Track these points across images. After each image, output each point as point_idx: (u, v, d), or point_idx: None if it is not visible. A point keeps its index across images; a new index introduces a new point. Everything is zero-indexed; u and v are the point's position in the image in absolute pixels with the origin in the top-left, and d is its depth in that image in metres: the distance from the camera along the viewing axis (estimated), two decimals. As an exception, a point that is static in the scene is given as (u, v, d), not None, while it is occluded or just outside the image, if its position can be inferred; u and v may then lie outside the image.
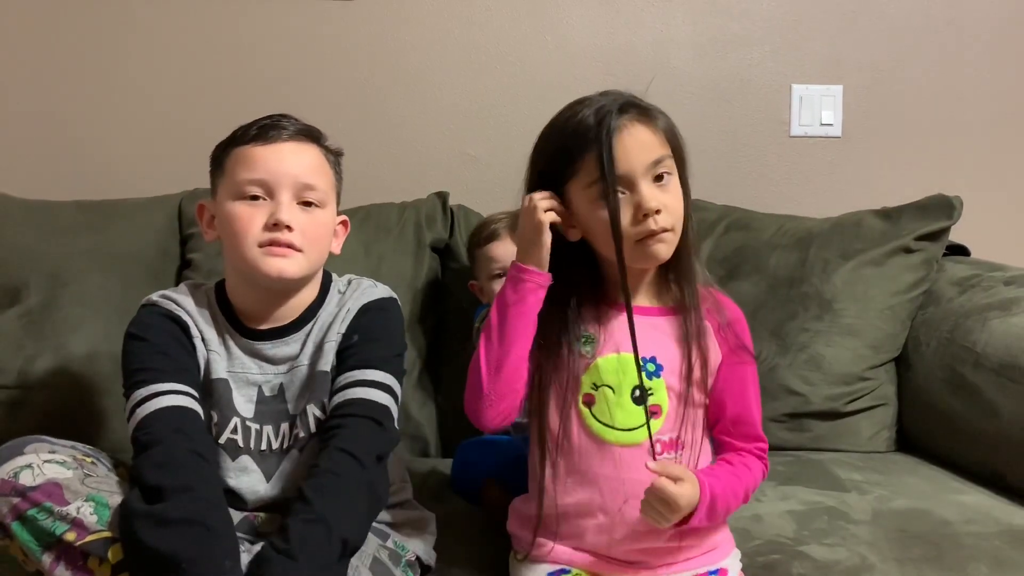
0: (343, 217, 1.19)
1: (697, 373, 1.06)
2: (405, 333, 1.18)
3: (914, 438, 1.60)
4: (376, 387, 1.08)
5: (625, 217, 1.01)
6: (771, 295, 1.65)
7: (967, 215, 1.64)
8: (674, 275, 1.09)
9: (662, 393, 1.06)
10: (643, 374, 1.04)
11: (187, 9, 1.88)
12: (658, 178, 1.02)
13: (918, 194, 1.68)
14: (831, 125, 1.97)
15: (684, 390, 1.06)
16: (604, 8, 1.93)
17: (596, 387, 1.05)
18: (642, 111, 1.03)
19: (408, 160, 1.91)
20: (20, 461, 0.98)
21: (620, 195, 1.00)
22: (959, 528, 1.21)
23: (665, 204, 1.01)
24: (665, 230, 1.01)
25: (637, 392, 1.05)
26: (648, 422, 1.04)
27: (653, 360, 1.07)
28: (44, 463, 0.98)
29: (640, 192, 1.00)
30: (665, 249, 1.03)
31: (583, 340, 1.06)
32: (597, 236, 1.04)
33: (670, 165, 1.03)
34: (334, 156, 1.16)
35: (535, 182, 1.06)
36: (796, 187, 1.98)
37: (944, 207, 1.64)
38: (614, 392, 1.05)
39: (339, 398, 1.08)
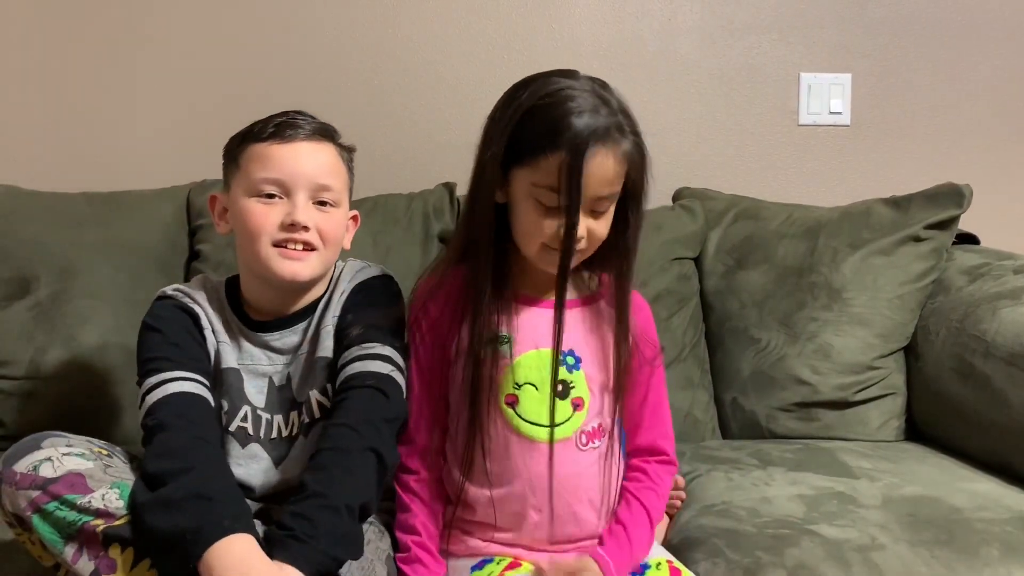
0: (353, 212, 1.19)
1: (616, 360, 1.08)
2: (404, 308, 1.16)
3: (923, 427, 1.59)
4: (375, 358, 1.07)
5: (551, 228, 1.00)
6: (780, 284, 1.65)
7: (977, 203, 1.63)
8: (590, 265, 1.10)
9: (583, 385, 1.07)
10: (564, 368, 1.06)
11: (194, 1, 1.87)
12: (596, 209, 1.02)
13: (927, 183, 1.67)
14: (840, 114, 1.96)
15: (604, 379, 1.08)
16: (611, -4, 1.93)
17: (518, 386, 1.05)
18: (618, 134, 1.00)
19: (415, 151, 1.91)
20: (39, 455, 0.97)
21: (556, 208, 0.99)
22: (970, 514, 1.21)
23: (592, 232, 1.02)
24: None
25: (559, 387, 1.06)
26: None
27: (571, 353, 1.07)
28: (63, 456, 0.98)
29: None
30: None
31: (500, 341, 1.05)
32: (520, 227, 1.03)
33: (614, 199, 1.03)
34: (348, 154, 1.16)
35: (492, 142, 1.02)
36: (805, 176, 1.97)
37: (954, 196, 1.63)
38: (537, 389, 1.05)
39: (340, 376, 1.08)
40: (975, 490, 1.30)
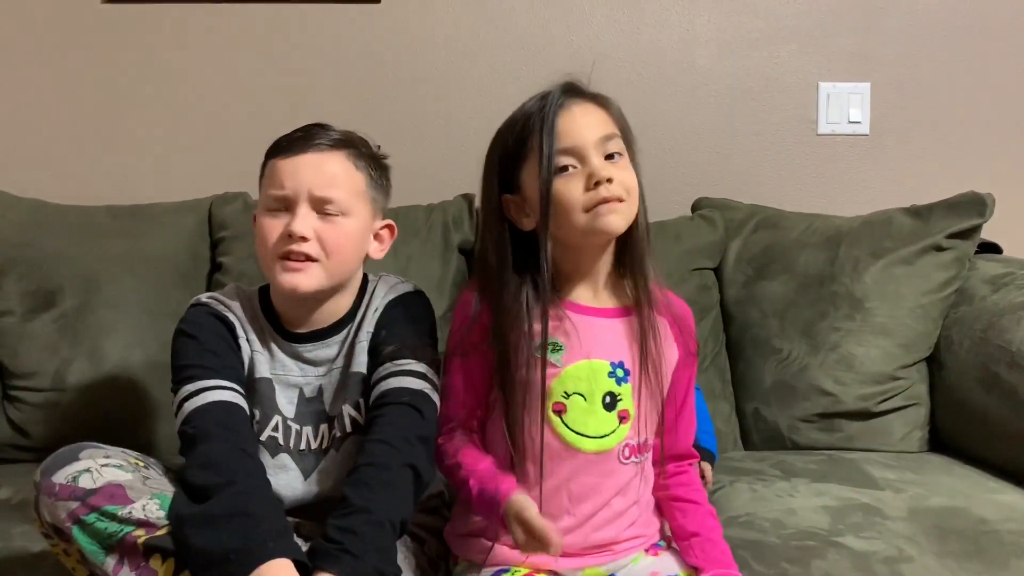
0: (387, 222, 1.18)
1: (661, 375, 1.07)
2: (436, 325, 1.18)
3: (947, 438, 1.58)
4: (409, 375, 1.08)
5: (576, 189, 1.00)
6: (801, 294, 1.64)
7: (999, 212, 1.62)
8: (629, 271, 1.08)
9: (629, 398, 1.06)
10: (613, 380, 1.05)
11: (216, 16, 1.90)
12: (609, 156, 1.02)
13: (949, 191, 1.66)
14: (859, 123, 1.95)
15: (647, 393, 1.07)
16: (629, 7, 1.93)
17: (567, 395, 1.05)
18: (590, 94, 1.05)
19: (435, 162, 1.91)
20: (78, 466, 0.98)
21: (572, 169, 1.01)
22: (998, 526, 1.20)
23: (622, 181, 1.01)
24: (619, 199, 1.00)
25: (607, 399, 1.05)
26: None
27: (621, 365, 1.06)
28: (102, 467, 0.99)
29: (591, 163, 1.00)
30: (618, 220, 1.01)
31: (550, 348, 1.04)
32: (558, 216, 1.02)
33: (620, 145, 1.04)
34: (370, 161, 1.14)
35: (494, 173, 1.06)
36: (824, 185, 1.97)
37: (976, 204, 1.62)
38: (585, 400, 1.05)
39: (375, 392, 1.09)
40: (1002, 501, 1.29)
